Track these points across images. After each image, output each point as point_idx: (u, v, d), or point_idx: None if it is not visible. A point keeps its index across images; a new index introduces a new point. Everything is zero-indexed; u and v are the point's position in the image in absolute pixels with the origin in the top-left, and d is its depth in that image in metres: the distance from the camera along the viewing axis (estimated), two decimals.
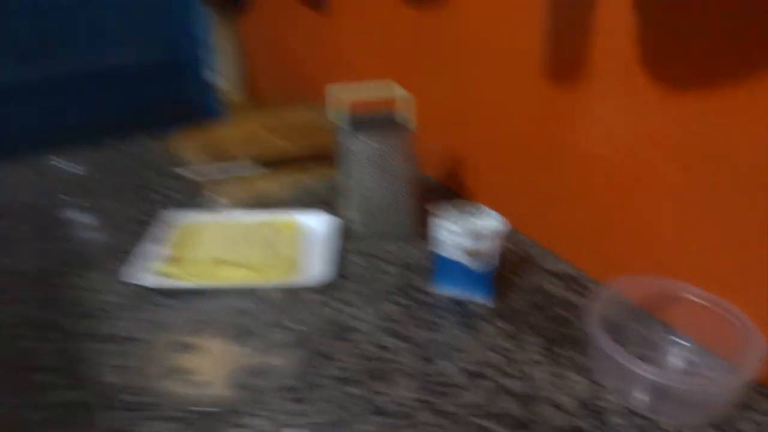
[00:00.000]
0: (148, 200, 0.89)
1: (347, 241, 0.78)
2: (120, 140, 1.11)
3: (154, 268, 0.72)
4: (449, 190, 0.92)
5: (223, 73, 1.68)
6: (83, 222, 0.84)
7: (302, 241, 0.78)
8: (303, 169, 0.95)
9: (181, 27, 1.65)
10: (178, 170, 0.96)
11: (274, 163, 0.95)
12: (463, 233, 0.63)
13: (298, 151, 0.98)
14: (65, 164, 0.98)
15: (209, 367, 0.59)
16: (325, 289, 0.70)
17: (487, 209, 0.66)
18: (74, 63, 1.52)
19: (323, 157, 0.96)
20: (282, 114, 1.15)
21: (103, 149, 1.08)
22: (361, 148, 0.72)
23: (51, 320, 0.65)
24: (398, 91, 0.73)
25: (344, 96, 0.73)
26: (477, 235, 0.63)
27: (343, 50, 1.15)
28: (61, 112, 1.52)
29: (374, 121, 0.73)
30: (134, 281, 0.69)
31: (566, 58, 0.67)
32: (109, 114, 1.55)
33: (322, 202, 0.88)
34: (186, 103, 1.69)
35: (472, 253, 0.64)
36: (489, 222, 0.63)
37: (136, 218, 0.84)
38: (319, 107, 1.18)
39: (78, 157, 1.04)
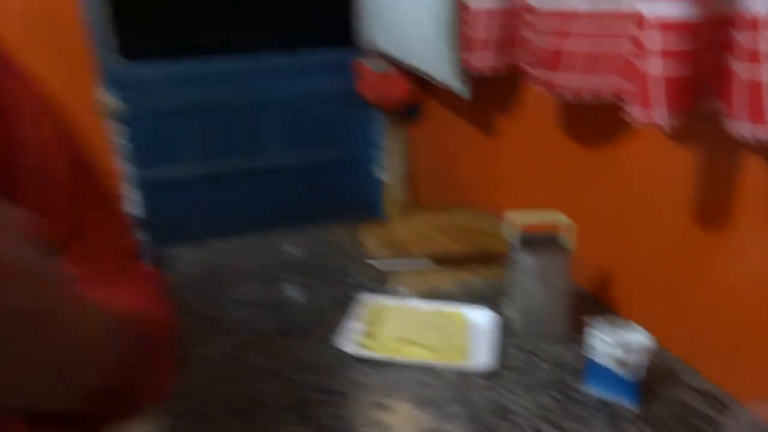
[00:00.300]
0: (344, 282, 1.11)
1: (508, 336, 0.93)
2: (313, 226, 1.37)
3: (353, 339, 0.92)
4: (601, 302, 1.04)
5: (389, 171, 1.96)
6: (297, 295, 1.08)
7: (469, 332, 0.94)
8: (468, 268, 1.12)
9: (360, 130, 1.96)
10: (366, 259, 1.18)
11: (443, 261, 1.14)
12: (615, 345, 0.76)
13: (463, 251, 1.16)
14: (285, 246, 1.25)
15: (400, 425, 0.76)
16: (489, 375, 0.85)
17: (636, 325, 0.78)
18: (276, 158, 1.88)
19: (485, 258, 1.13)
20: (448, 216, 1.35)
21: (302, 234, 1.34)
22: (527, 262, 0.89)
23: (282, 371, 0.87)
24: (562, 219, 0.89)
25: (517, 219, 0.90)
26: (627, 348, 0.75)
27: (505, 168, 1.34)
28: (262, 198, 1.87)
29: (540, 240, 0.90)
30: (340, 348, 0.89)
31: (711, 202, 0.79)
32: (300, 201, 1.88)
33: (484, 298, 1.04)
34: (357, 195, 1.98)
35: (621, 363, 0.76)
36: (638, 337, 0.76)
37: (336, 296, 1.06)
38: (481, 214, 1.37)
39: (285, 239, 1.31)
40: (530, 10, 0.97)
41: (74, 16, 1.55)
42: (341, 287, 1.09)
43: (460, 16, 1.13)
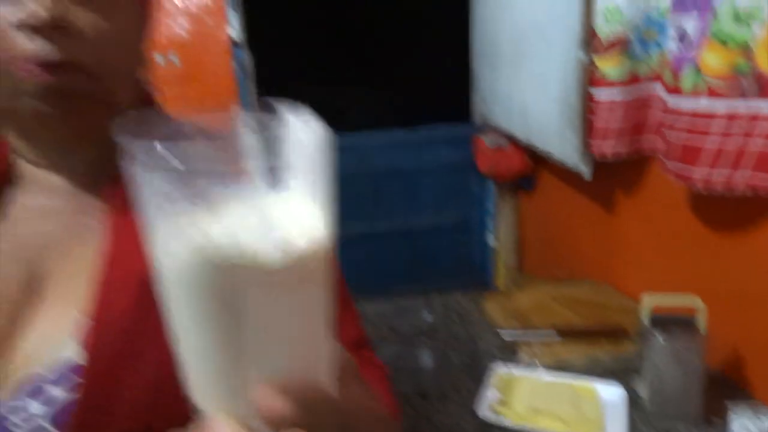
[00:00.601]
0: (474, 350, 1.19)
1: (638, 412, 0.97)
2: (430, 290, 1.47)
3: (488, 406, 0.99)
4: (736, 384, 1.05)
5: (500, 239, 2.04)
6: (430, 360, 1.17)
7: (601, 406, 0.99)
8: (593, 342, 1.17)
9: (473, 199, 2.07)
10: (492, 328, 1.25)
11: (569, 334, 1.19)
12: (757, 430, 0.78)
13: (588, 325, 1.21)
14: (418, 312, 1.35)
15: None
16: None
17: None
18: (393, 224, 2.02)
19: (611, 333, 1.17)
20: (567, 288, 1.40)
21: (427, 299, 1.44)
22: (659, 342, 0.93)
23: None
24: (694, 300, 0.93)
25: (650, 301, 0.95)
26: None
27: (627, 245, 1.38)
28: (380, 261, 2.01)
29: (673, 321, 0.94)
30: (476, 413, 0.97)
31: None
32: (412, 264, 2.00)
33: (612, 373, 1.08)
34: (469, 260, 2.07)
35: None
36: None
37: (467, 363, 1.14)
38: (600, 287, 1.41)
39: (411, 304, 1.41)
40: (662, 103, 1.05)
41: (228, 98, 1.81)
42: (471, 355, 1.17)
43: (587, 104, 1.22)
